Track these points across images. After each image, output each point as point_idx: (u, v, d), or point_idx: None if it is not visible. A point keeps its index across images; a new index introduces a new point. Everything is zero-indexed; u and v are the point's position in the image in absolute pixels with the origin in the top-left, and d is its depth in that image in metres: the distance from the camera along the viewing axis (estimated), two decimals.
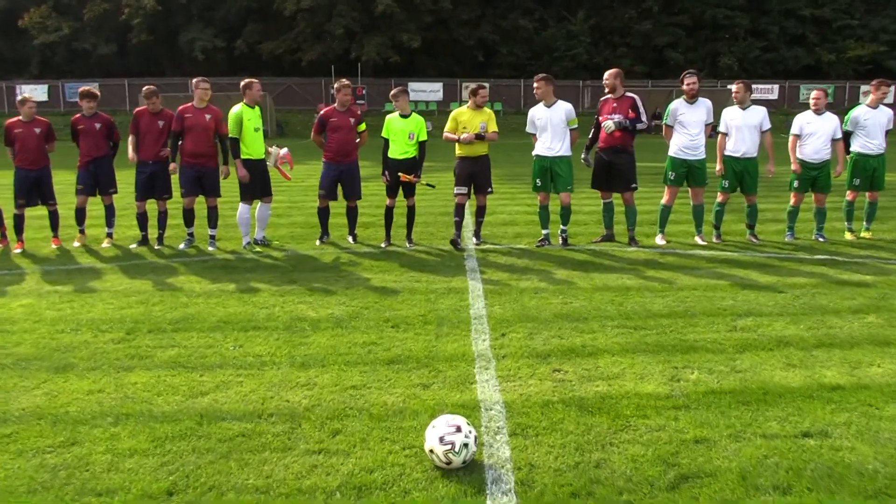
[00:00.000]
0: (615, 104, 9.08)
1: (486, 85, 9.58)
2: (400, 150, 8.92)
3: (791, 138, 9.61)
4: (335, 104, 9.28)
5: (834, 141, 9.36)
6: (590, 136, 9.41)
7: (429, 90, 46.47)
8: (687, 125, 9.07)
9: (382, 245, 9.19)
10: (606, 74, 9.22)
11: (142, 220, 9.37)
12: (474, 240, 9.37)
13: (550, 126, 8.86)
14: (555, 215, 9.28)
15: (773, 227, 10.44)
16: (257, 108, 9.01)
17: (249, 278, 7.54)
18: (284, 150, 9.39)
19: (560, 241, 9.10)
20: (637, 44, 50.21)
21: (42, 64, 49.43)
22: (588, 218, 11.23)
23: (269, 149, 9.23)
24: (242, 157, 8.86)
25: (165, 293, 6.91)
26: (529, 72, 48.63)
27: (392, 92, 9.29)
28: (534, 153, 9.13)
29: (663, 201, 9.35)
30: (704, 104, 9.15)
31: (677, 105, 9.18)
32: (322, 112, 9.33)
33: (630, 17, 49.92)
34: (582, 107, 46.17)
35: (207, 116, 8.95)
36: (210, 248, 9.09)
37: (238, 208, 9.09)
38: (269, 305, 6.46)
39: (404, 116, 9.01)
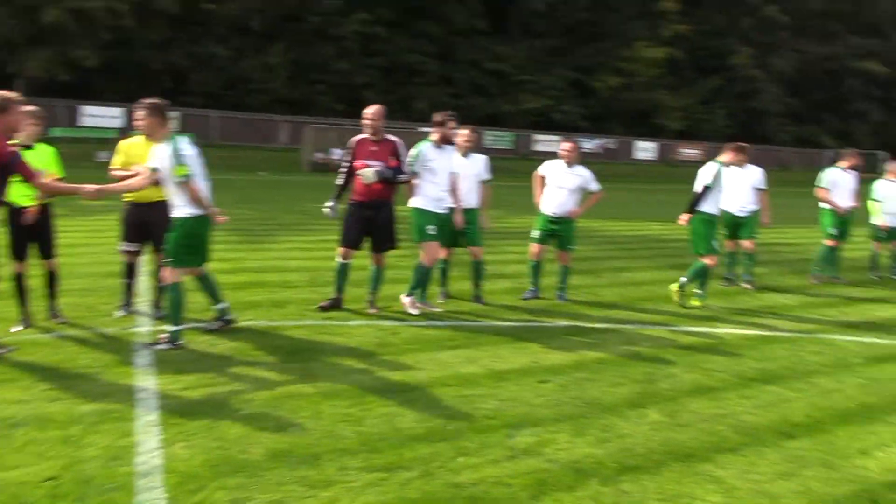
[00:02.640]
0: (374, 148, 7.40)
1: (158, 103, 6.44)
2: (21, 190, 6.03)
3: (538, 188, 8.87)
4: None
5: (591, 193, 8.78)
6: (339, 182, 7.64)
7: (108, 115, 41.22)
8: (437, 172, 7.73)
9: (12, 329, 6.44)
10: (371, 112, 7.44)
11: None
12: (156, 311, 7.08)
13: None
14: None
15: (500, 283, 9.49)
16: None
17: None
18: None
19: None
20: (335, 81, 49.74)
21: None
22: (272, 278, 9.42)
23: None
24: None
25: None
26: (225, 102, 45.77)
27: None
28: None
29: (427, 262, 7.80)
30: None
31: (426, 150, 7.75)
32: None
33: (329, 55, 49.34)
34: (279, 142, 44.35)
35: None
36: None
37: None
38: None
39: (26, 147, 6.19)
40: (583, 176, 8.64)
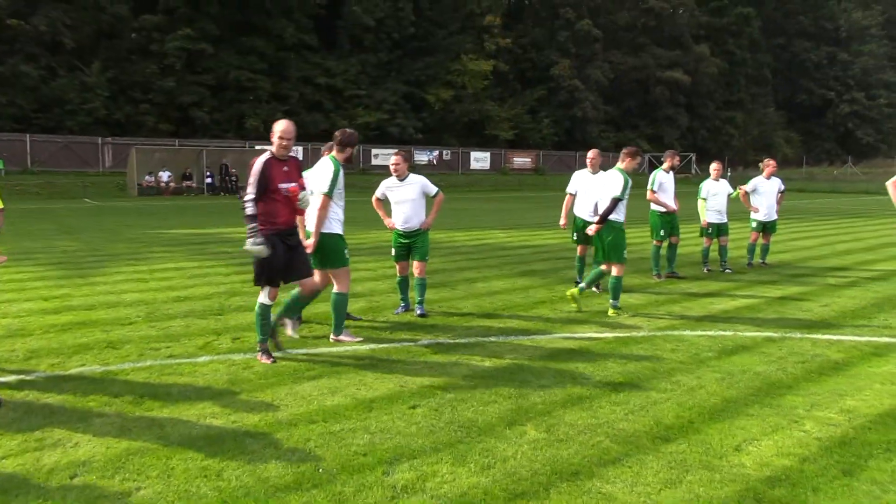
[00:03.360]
0: (285, 168, 6.38)
1: None
2: None
3: (381, 211, 8.82)
4: None
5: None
6: (252, 211, 6.18)
7: None
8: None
9: None
10: (285, 129, 6.31)
11: None
12: None
13: None
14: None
15: (354, 303, 9.12)
16: None
17: None
18: None
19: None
20: (161, 101, 47.22)
21: None
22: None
23: None
24: None
25: None
26: (37, 125, 42.11)
27: None
28: None
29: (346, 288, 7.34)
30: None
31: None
32: None
33: (152, 73, 46.72)
34: (102, 166, 41.45)
35: None
36: None
37: None
38: None
39: None
40: (418, 183, 8.46)
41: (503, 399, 5.58)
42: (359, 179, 44.81)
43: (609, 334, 7.81)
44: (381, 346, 7.18)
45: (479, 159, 56.89)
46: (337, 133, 7.31)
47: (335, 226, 7.12)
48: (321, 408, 5.32)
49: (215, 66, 48.90)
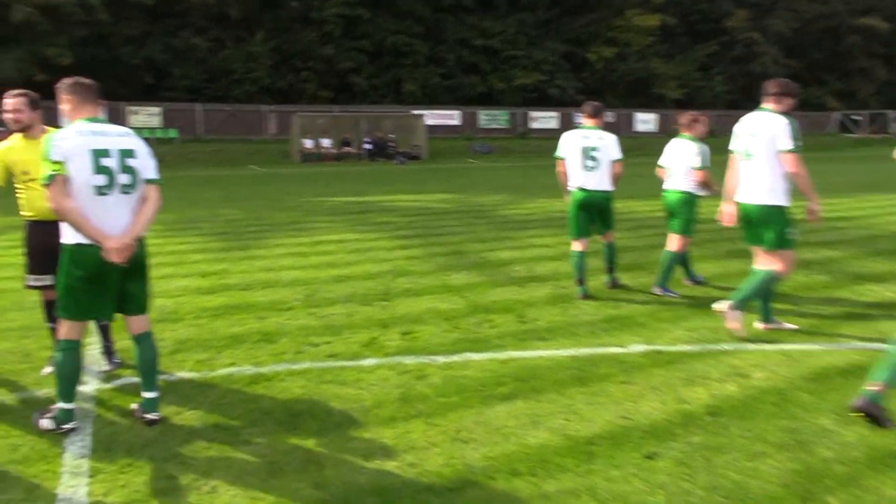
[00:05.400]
0: None
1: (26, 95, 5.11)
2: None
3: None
4: None
5: None
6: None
7: None
8: None
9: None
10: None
11: None
12: (111, 360, 5.39)
13: None
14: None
15: (537, 290, 7.73)
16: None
17: None
18: None
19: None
20: (320, 68, 47.67)
21: None
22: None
23: None
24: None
25: None
26: (206, 95, 43.73)
27: None
28: None
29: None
30: None
31: None
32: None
33: (311, 41, 47.20)
34: (266, 133, 42.40)
35: None
36: None
37: None
38: None
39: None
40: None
41: (776, 450, 3.98)
42: (518, 144, 43.33)
43: (863, 345, 5.93)
44: (580, 351, 5.74)
45: (645, 121, 53.46)
46: (772, 83, 6.37)
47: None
48: (523, 448, 3.97)
49: (373, 31, 48.70)
